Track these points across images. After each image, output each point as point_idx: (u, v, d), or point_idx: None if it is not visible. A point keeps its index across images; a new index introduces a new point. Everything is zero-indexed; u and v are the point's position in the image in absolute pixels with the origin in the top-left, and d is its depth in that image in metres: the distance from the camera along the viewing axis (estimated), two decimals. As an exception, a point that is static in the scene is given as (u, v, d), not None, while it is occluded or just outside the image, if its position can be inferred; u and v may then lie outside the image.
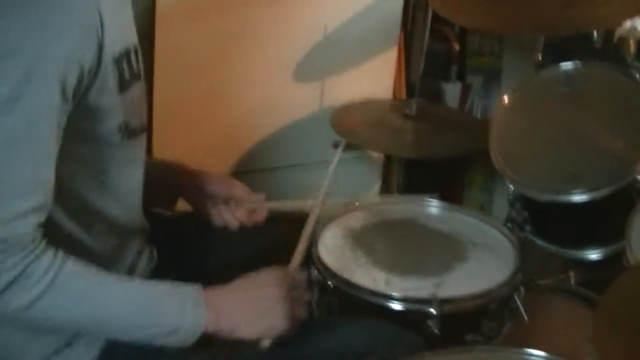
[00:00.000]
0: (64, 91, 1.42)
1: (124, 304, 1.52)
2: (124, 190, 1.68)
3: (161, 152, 2.53)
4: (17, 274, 1.40)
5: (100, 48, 1.46)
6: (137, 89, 1.63)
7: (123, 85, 1.55)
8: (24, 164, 1.42)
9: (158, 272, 1.84)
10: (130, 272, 1.76)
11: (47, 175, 1.45)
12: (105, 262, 1.59)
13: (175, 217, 2.11)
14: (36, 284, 1.42)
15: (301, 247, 1.88)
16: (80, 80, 1.44)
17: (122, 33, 1.56)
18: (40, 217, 1.45)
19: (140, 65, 1.64)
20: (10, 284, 1.40)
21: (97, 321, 1.51)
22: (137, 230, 1.79)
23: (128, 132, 1.60)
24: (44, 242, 1.45)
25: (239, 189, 2.05)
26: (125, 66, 1.55)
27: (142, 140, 1.71)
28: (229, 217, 2.03)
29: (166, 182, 2.03)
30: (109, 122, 1.56)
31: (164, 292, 1.57)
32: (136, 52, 1.63)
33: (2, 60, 1.37)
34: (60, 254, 1.46)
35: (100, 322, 1.52)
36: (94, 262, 1.52)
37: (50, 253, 1.45)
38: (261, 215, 2.06)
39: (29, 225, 1.42)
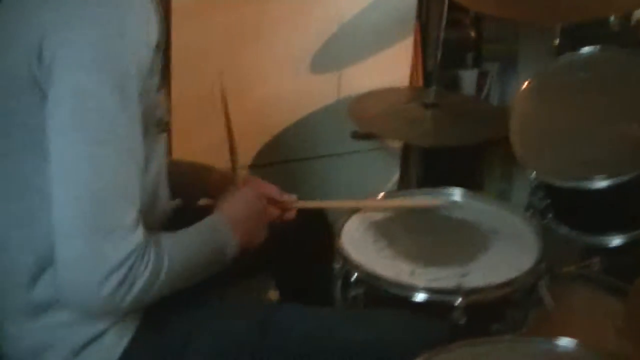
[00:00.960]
0: (140, 93, 1.49)
1: (198, 249, 1.66)
2: (153, 184, 1.70)
3: (179, 146, 2.54)
4: (149, 275, 1.49)
5: (150, 44, 1.53)
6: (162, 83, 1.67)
7: (160, 79, 1.61)
8: (134, 173, 1.51)
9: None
10: None
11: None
12: None
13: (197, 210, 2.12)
14: (159, 272, 1.52)
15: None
16: (143, 78, 1.51)
17: (159, 27, 1.59)
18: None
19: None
20: (146, 283, 1.49)
21: (188, 270, 1.62)
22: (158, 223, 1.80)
23: (162, 125, 1.66)
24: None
25: (270, 189, 2.04)
26: (159, 61, 1.60)
27: (165, 138, 1.74)
28: None
29: (194, 181, 2.08)
30: (153, 117, 1.61)
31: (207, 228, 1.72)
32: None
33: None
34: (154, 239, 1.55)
35: (190, 270, 1.63)
36: None
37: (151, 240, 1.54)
38: (291, 215, 2.06)
39: (142, 228, 1.51)
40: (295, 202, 2.06)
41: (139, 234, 1.49)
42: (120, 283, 1.45)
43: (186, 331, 1.69)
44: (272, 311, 1.81)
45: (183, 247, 1.62)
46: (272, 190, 2.05)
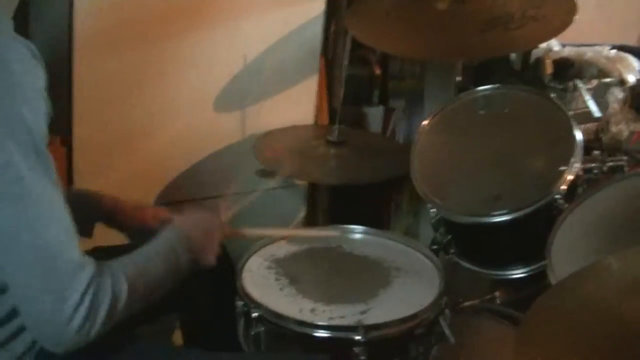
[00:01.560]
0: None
1: (158, 265, 1.69)
2: None
3: (84, 185, 2.51)
4: (110, 299, 1.53)
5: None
6: None
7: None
8: (64, 213, 1.51)
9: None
10: None
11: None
12: None
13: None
14: (118, 296, 1.55)
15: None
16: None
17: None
18: None
19: None
20: (110, 307, 1.53)
21: (148, 289, 1.65)
22: None
23: None
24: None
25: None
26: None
27: None
28: None
29: (88, 208, 2.05)
30: None
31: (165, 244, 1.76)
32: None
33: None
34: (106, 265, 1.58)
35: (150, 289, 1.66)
36: None
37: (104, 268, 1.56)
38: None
39: (89, 258, 1.53)
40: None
41: (90, 265, 1.52)
42: (86, 315, 1.48)
43: None
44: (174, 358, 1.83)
45: (140, 266, 1.65)
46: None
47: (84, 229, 2.05)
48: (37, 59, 1.51)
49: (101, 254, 1.62)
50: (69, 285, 1.47)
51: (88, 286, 1.49)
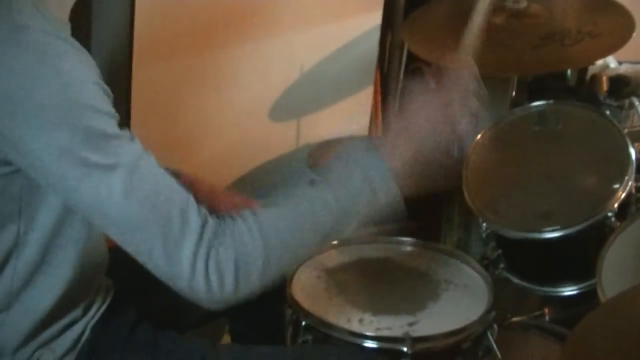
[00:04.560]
0: None
1: (323, 209, 1.53)
2: None
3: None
4: (234, 258, 1.44)
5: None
6: None
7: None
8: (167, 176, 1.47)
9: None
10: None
11: None
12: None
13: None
14: (255, 251, 1.46)
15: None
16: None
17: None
18: None
19: None
20: (237, 270, 1.44)
21: (314, 241, 1.55)
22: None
23: None
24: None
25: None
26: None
27: None
28: None
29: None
30: None
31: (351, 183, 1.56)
32: None
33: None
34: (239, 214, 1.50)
35: (317, 239, 1.55)
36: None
37: (237, 220, 1.48)
38: None
39: (205, 215, 1.46)
40: None
41: (207, 218, 1.46)
42: (206, 269, 1.42)
43: None
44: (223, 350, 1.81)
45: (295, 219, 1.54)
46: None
47: None
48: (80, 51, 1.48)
49: None
50: (182, 235, 1.42)
51: (201, 237, 1.42)
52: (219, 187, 2.13)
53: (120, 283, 1.79)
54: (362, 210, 1.56)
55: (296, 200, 1.57)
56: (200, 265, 1.42)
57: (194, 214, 1.45)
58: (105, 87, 1.46)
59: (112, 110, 1.45)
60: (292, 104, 2.94)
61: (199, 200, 1.90)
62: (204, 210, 1.47)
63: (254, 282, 1.46)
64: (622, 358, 1.36)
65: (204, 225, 1.44)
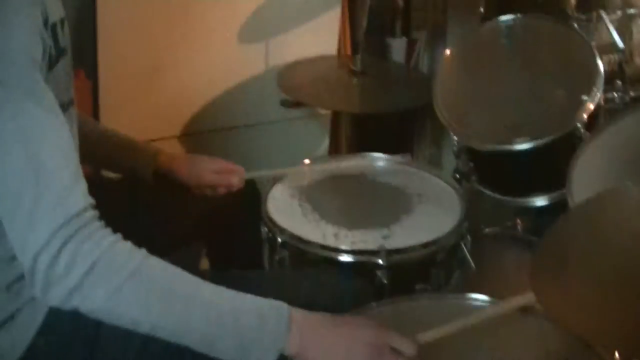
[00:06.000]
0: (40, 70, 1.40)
1: (205, 305, 1.40)
2: None
3: (108, 121, 2.51)
4: (95, 259, 1.33)
5: (46, 21, 1.43)
6: (64, 65, 1.54)
7: (51, 62, 1.47)
8: (70, 148, 1.41)
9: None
10: None
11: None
12: None
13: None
14: (119, 270, 1.35)
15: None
16: (43, 57, 1.41)
17: (55, 3, 1.51)
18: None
19: (67, 38, 1.57)
20: (89, 270, 1.33)
21: (175, 321, 1.38)
22: None
23: (63, 105, 1.51)
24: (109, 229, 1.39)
25: (217, 162, 2.09)
26: (51, 42, 1.47)
27: (72, 115, 1.60)
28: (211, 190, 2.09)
29: (130, 156, 2.06)
30: None
31: (247, 303, 1.44)
32: (62, 24, 1.54)
33: None
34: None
35: (179, 322, 1.39)
36: None
37: (127, 242, 1.39)
38: (240, 185, 2.09)
39: (92, 208, 1.38)
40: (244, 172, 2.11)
41: (91, 209, 1.38)
42: (64, 241, 1.32)
43: None
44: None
45: (193, 288, 1.41)
46: (220, 163, 2.09)
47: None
48: None
49: None
50: (53, 207, 1.33)
51: (72, 219, 1.33)
52: (199, 157, 2.12)
53: None
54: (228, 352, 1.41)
55: (194, 284, 1.42)
56: (56, 242, 1.31)
57: (78, 195, 1.36)
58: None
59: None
60: (260, 25, 2.92)
61: (179, 178, 1.97)
62: (90, 201, 1.38)
63: (96, 295, 1.34)
64: (591, 263, 1.38)
65: (81, 211, 1.35)
